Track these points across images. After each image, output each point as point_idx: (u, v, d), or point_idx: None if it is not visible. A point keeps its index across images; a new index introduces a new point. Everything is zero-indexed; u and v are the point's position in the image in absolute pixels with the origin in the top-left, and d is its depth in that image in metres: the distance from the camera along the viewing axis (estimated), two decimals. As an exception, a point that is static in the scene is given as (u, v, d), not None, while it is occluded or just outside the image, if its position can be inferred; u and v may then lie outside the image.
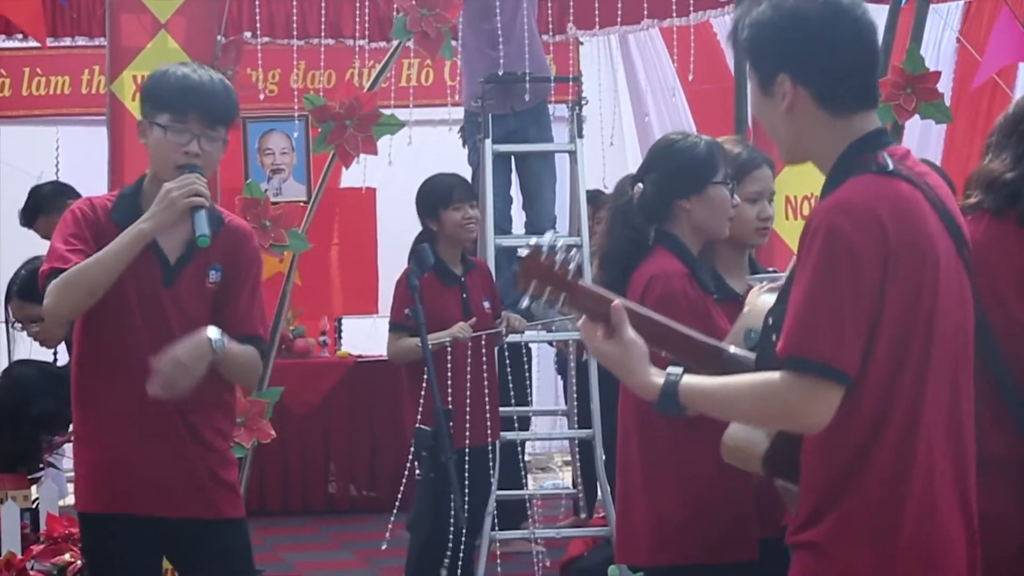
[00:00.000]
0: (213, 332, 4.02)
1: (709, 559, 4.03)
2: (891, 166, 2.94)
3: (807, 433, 2.90)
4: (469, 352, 6.50)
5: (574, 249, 2.97)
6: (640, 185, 4.27)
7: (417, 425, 5.14)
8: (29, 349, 6.48)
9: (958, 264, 2.99)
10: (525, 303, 2.90)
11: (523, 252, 2.91)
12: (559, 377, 9.17)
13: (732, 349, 3.09)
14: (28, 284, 5.86)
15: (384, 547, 6.40)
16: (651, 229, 4.25)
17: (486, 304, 6.74)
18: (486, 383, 6.57)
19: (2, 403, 6.10)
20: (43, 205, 7.68)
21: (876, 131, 3.03)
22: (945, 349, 2.94)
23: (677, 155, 4.27)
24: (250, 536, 4.37)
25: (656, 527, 4.06)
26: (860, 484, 2.90)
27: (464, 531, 5.98)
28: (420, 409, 6.15)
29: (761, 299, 3.22)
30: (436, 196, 6.68)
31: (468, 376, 6.47)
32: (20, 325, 5.97)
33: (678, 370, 2.95)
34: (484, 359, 6.56)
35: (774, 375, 2.86)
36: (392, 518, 6.55)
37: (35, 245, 7.05)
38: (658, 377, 2.95)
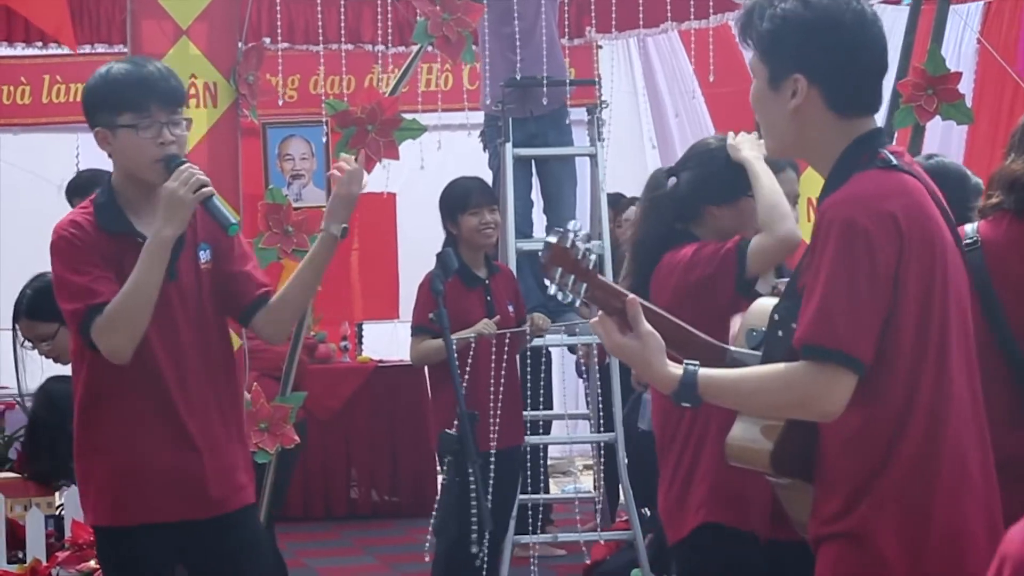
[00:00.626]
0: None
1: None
2: (894, 161, 3.00)
3: (822, 420, 2.94)
4: (493, 352, 6.50)
5: (593, 241, 2.99)
6: (674, 179, 4.29)
7: (443, 430, 5.13)
8: (41, 367, 6.48)
9: (956, 252, 3.04)
10: (552, 290, 2.92)
11: (551, 239, 2.93)
12: (581, 381, 9.16)
13: (735, 349, 3.13)
14: (36, 303, 5.87)
15: (427, 559, 6.39)
16: (679, 225, 4.26)
17: (510, 307, 6.75)
18: (510, 385, 6.57)
19: (41, 421, 6.10)
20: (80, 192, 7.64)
21: (876, 130, 3.08)
22: (959, 333, 3.00)
23: (715, 162, 4.28)
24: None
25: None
26: (891, 472, 2.93)
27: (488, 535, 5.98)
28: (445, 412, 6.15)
29: (761, 300, 3.26)
30: (455, 200, 6.71)
31: (492, 378, 6.47)
32: (31, 344, 5.98)
33: (695, 361, 3.00)
34: (507, 361, 6.56)
35: (790, 364, 2.91)
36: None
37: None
38: (676, 369, 2.99)
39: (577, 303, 2.95)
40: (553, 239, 2.94)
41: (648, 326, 3.00)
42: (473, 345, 6.44)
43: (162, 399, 4.06)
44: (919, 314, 2.93)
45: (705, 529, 4.23)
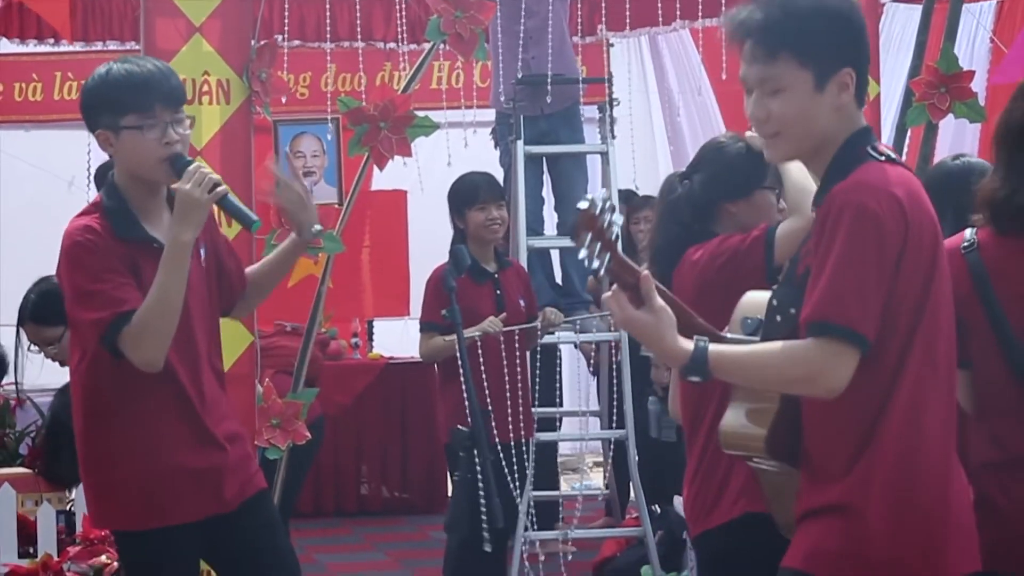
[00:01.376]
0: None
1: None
2: (893, 156, 3.09)
3: (827, 396, 3.00)
4: (503, 347, 6.50)
5: (617, 213, 3.04)
6: (687, 182, 4.31)
7: (456, 426, 5.13)
8: (40, 370, 6.48)
9: (944, 249, 3.14)
10: (581, 254, 2.97)
11: (583, 204, 2.99)
12: (592, 377, 9.17)
13: (731, 335, 3.21)
14: (41, 307, 5.89)
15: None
16: (696, 226, 4.28)
17: (521, 302, 6.75)
18: (520, 380, 6.57)
19: (62, 424, 6.10)
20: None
21: (867, 127, 3.15)
22: (945, 316, 3.08)
23: (726, 158, 4.30)
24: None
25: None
26: (875, 448, 3.01)
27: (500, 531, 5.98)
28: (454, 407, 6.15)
29: (753, 292, 3.35)
30: (462, 195, 6.73)
31: (504, 373, 6.47)
32: (36, 348, 5.99)
33: (705, 337, 3.07)
34: (518, 356, 6.57)
35: (798, 341, 2.99)
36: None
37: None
38: (687, 343, 3.05)
39: (602, 270, 2.99)
40: (584, 204, 2.99)
41: (661, 301, 3.06)
42: (479, 343, 6.44)
43: (180, 399, 4.05)
44: (916, 298, 3.01)
45: (747, 518, 4.20)
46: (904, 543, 3.00)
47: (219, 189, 3.96)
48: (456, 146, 6.81)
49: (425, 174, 8.02)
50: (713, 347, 3.05)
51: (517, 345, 6.57)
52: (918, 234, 3.01)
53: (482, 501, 4.96)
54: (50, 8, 8.60)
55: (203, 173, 3.95)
